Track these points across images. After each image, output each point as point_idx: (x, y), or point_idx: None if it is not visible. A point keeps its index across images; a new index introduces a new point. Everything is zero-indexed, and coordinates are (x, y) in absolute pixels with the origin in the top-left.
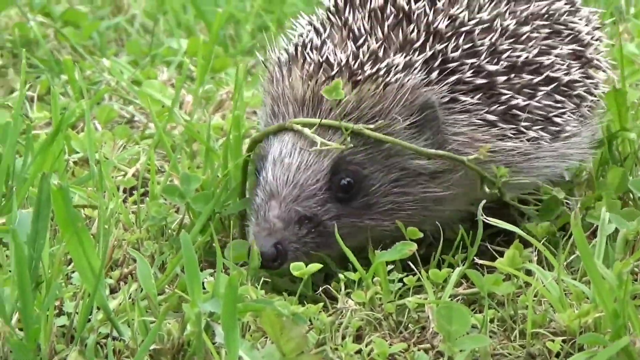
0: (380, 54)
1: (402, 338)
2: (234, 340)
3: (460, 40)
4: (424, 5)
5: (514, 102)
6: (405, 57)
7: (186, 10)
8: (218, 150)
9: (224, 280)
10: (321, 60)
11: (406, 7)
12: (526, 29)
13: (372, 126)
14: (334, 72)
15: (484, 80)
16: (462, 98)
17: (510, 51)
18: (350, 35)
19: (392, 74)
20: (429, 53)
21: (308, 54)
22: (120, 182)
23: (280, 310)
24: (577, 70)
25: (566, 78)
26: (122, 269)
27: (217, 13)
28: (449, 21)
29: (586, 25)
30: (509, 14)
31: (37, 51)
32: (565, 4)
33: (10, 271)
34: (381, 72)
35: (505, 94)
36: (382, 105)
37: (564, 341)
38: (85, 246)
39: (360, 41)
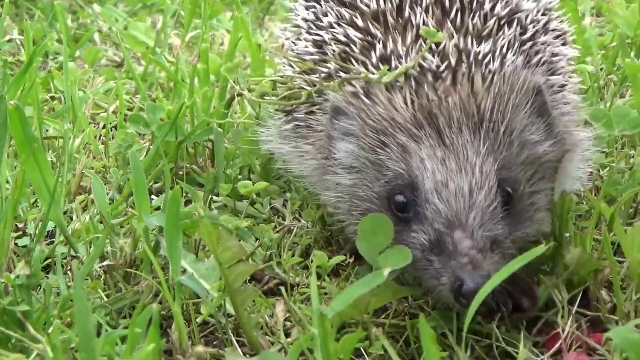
0: (467, 46)
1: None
2: (176, 252)
3: (527, 24)
4: None
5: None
6: (491, 45)
7: None
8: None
9: None
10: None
11: None
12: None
13: None
14: (440, 78)
15: (557, 60)
16: (551, 78)
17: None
18: (415, 33)
19: (498, 64)
20: (507, 39)
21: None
22: (101, 118)
23: (221, 223)
24: None
25: None
26: (88, 196)
27: None
28: (506, 7)
29: None
30: None
31: (39, 2)
32: None
33: None
34: (490, 66)
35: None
36: (508, 98)
37: None
38: (41, 165)
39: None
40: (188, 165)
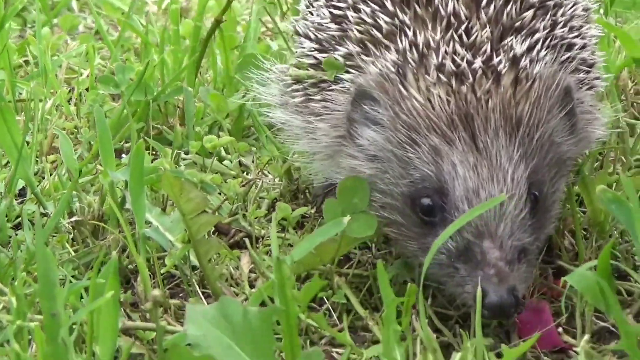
0: (502, 39)
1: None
2: (141, 206)
3: (558, 15)
4: None
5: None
6: (524, 40)
7: None
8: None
9: None
10: (451, 66)
11: None
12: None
13: None
14: (478, 76)
15: (583, 55)
16: (576, 75)
17: (582, 27)
18: (446, 22)
19: (536, 64)
20: (543, 33)
21: (425, 57)
22: (75, 82)
23: (183, 175)
24: None
25: None
26: (60, 156)
27: None
28: None
29: None
30: None
31: None
32: None
33: None
34: (525, 64)
35: (588, 70)
36: (544, 101)
37: None
38: (9, 122)
39: (463, 28)
40: (159, 126)
